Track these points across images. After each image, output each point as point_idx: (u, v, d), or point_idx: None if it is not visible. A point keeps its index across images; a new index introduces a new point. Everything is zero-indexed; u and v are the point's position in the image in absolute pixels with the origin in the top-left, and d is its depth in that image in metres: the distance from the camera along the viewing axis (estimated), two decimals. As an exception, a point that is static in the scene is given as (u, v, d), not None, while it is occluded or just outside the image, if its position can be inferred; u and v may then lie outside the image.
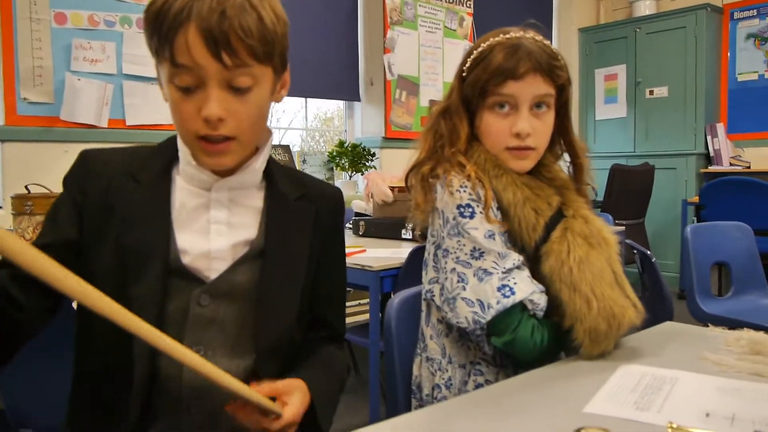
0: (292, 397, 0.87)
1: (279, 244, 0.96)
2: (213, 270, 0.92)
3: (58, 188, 2.56)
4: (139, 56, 3.23)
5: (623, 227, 3.15)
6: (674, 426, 0.70)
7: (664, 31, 5.35)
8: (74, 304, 0.97)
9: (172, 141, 0.97)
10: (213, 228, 0.93)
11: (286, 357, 0.97)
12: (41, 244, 0.88)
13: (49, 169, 2.98)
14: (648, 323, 1.25)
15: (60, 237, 0.90)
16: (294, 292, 0.97)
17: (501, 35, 1.18)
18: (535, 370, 1.02)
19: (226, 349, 0.92)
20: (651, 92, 5.42)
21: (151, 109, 3.27)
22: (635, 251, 2.07)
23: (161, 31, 0.83)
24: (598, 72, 5.79)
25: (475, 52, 1.20)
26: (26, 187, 2.43)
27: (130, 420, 0.86)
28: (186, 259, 0.91)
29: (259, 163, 0.97)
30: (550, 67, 1.16)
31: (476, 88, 1.18)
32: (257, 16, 0.85)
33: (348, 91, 4.41)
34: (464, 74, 1.22)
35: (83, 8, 3.11)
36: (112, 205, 0.91)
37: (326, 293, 1.07)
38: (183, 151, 0.94)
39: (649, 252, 1.93)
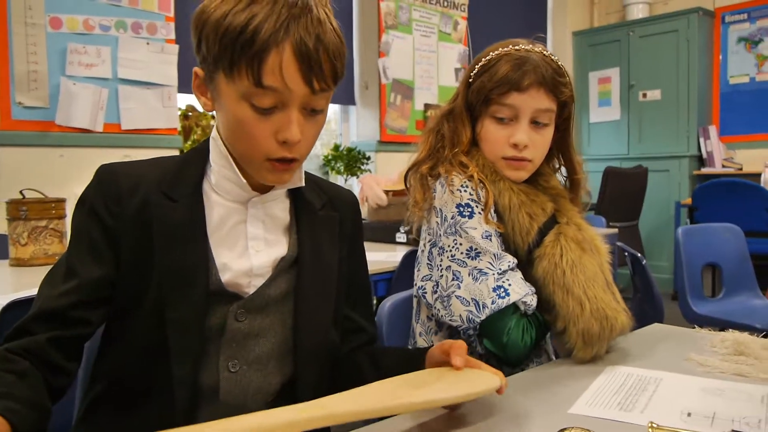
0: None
1: (311, 254, 0.96)
2: (252, 286, 0.92)
3: (53, 193, 2.59)
4: (135, 60, 3.24)
5: (617, 230, 3.17)
6: (655, 426, 0.72)
7: (656, 34, 5.39)
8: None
9: (198, 153, 0.94)
10: (251, 245, 0.92)
11: (324, 364, 0.97)
12: (77, 300, 0.84)
13: (45, 174, 2.99)
14: (638, 325, 1.27)
15: (94, 275, 0.85)
16: (329, 299, 0.97)
17: (510, 46, 1.21)
18: (522, 372, 1.04)
19: (263, 362, 0.92)
20: (644, 95, 5.46)
21: (147, 113, 3.28)
22: (626, 253, 2.09)
23: (248, 48, 0.78)
24: (592, 75, 5.83)
25: (483, 59, 1.22)
26: (21, 192, 2.44)
27: None
28: (226, 277, 0.89)
29: (295, 179, 0.95)
30: (555, 83, 1.19)
31: (480, 95, 1.21)
32: (338, 36, 0.85)
33: (343, 95, 4.42)
34: (470, 80, 1.24)
35: (78, 13, 3.12)
36: (149, 224, 0.87)
37: (355, 297, 1.08)
38: (221, 164, 0.91)
39: (639, 254, 1.95)
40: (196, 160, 0.94)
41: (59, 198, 2.50)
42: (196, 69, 0.89)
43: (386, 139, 4.42)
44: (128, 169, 0.91)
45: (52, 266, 0.90)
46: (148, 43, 3.29)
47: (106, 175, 0.90)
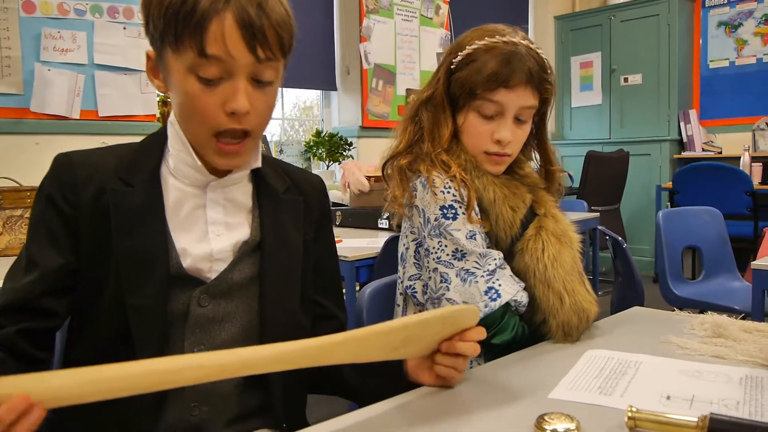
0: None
1: (274, 238, 0.95)
2: (214, 271, 0.91)
3: (28, 182, 2.55)
4: (111, 45, 3.18)
5: (598, 213, 3.18)
6: (634, 410, 0.71)
7: (637, 18, 5.40)
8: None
9: (156, 138, 0.93)
10: (211, 229, 0.91)
11: None
12: (44, 289, 0.84)
13: (19, 162, 2.94)
14: (619, 308, 1.28)
15: (55, 264, 0.85)
16: (294, 283, 0.96)
17: (497, 36, 1.17)
18: (501, 358, 1.04)
19: (229, 347, 0.88)
20: (626, 79, 5.47)
21: (125, 99, 3.23)
22: (607, 237, 2.09)
23: (189, 18, 0.78)
24: (573, 60, 5.83)
25: (467, 47, 1.19)
26: (-4, 180, 2.40)
27: (140, 426, 0.85)
28: (187, 263, 0.89)
29: (252, 161, 0.94)
30: (540, 80, 1.18)
31: (465, 88, 1.18)
32: (284, 9, 0.84)
33: (324, 81, 4.39)
34: (452, 66, 1.21)
35: (52, -3, 3.06)
36: (106, 210, 0.86)
37: (324, 283, 1.07)
38: (178, 148, 0.90)
39: (620, 238, 1.96)
40: (153, 145, 0.93)
41: (34, 186, 2.45)
42: (148, 51, 0.88)
43: (368, 125, 4.40)
44: (84, 158, 0.90)
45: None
46: (125, 28, 3.23)
47: (62, 164, 0.89)
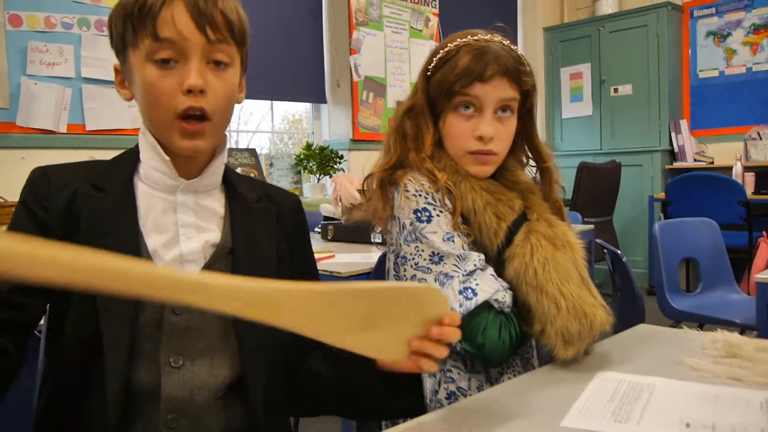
0: None
1: (246, 243, 0.95)
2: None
3: (14, 197, 2.48)
4: (99, 59, 3.14)
5: (593, 225, 3.15)
6: (656, 440, 0.68)
7: (626, 29, 5.41)
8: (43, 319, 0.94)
9: (130, 152, 0.96)
10: (182, 231, 0.92)
11: (274, 356, 0.95)
12: (15, 285, 0.82)
13: (5, 177, 2.87)
14: (620, 324, 1.23)
15: None
16: None
17: (469, 36, 1.17)
18: (510, 381, 1.00)
19: (206, 357, 0.89)
20: (615, 90, 5.48)
21: (112, 113, 3.18)
22: (606, 251, 2.06)
23: (143, 10, 0.85)
24: (563, 71, 5.83)
25: (441, 51, 1.18)
26: (-20, 196, 2.34)
27: None
28: (158, 264, 0.89)
29: (218, 165, 0.97)
30: (517, 72, 1.15)
31: (442, 88, 1.17)
32: (235, 5, 0.92)
33: (314, 93, 4.36)
34: (429, 73, 1.20)
35: (39, 10, 3.01)
36: (78, 215, 0.88)
37: None
38: (148, 155, 0.93)
39: (619, 251, 1.93)
40: (127, 158, 0.96)
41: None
42: (115, 64, 0.94)
43: (359, 138, 4.37)
44: (59, 169, 0.93)
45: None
46: (112, 41, 3.19)
47: (37, 174, 0.92)
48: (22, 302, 0.86)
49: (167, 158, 0.91)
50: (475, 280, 1.08)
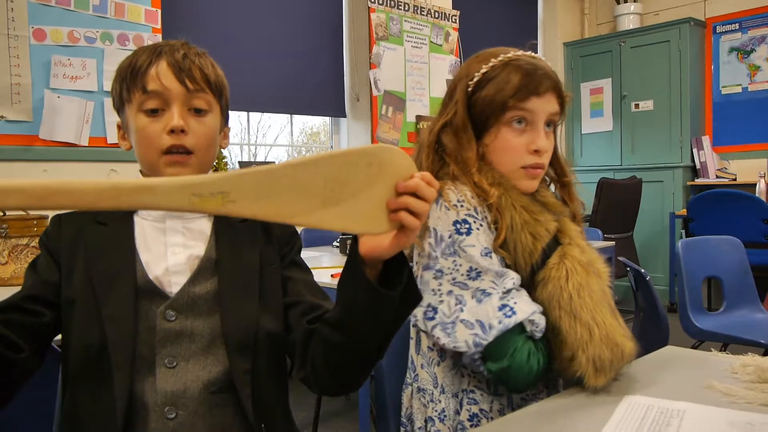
0: None
1: (229, 255, 1.04)
2: (174, 284, 1.00)
3: (34, 211, 2.50)
4: (121, 73, 3.17)
5: (614, 243, 3.11)
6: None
7: (648, 45, 5.37)
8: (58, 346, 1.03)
9: None
10: (169, 249, 1.02)
11: (260, 353, 1.00)
12: (27, 294, 0.98)
13: (28, 189, 2.90)
14: (643, 344, 1.20)
15: (41, 279, 1.01)
16: (251, 295, 1.03)
17: (512, 53, 1.18)
18: (534, 404, 0.97)
19: (199, 358, 0.97)
20: (636, 105, 5.43)
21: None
22: (629, 269, 2.03)
23: (135, 71, 1.02)
24: (583, 86, 5.80)
25: (484, 67, 1.18)
26: (2, 210, 2.36)
27: None
28: (148, 274, 1.00)
29: None
30: (560, 88, 1.18)
31: (494, 104, 1.16)
32: (211, 62, 1.08)
33: (334, 107, 4.37)
34: (470, 89, 1.19)
35: (63, 24, 3.05)
36: (82, 243, 1.02)
37: (302, 289, 1.08)
38: None
39: (643, 270, 1.89)
40: None
41: (41, 215, 2.42)
42: (117, 121, 1.10)
43: (378, 152, 4.36)
44: (71, 214, 1.08)
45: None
46: (134, 55, 3.22)
47: (54, 218, 1.08)
48: (34, 309, 0.97)
49: None
50: (513, 299, 1.06)
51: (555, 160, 1.26)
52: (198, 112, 1.04)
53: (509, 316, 1.04)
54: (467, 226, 1.09)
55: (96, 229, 1.03)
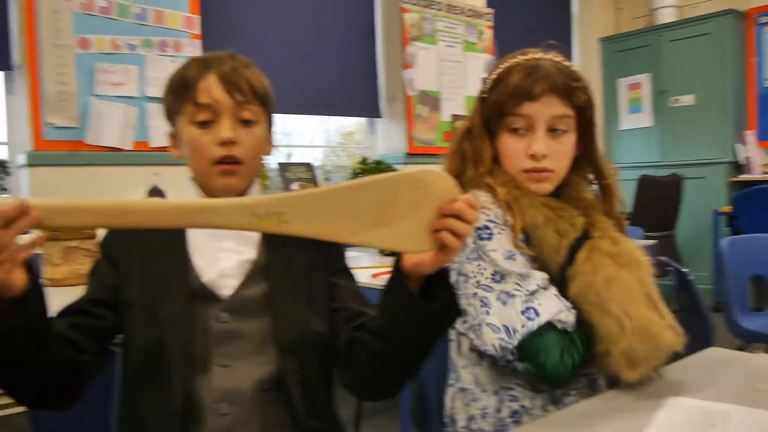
0: None
1: (278, 259, 1.07)
2: (226, 287, 1.04)
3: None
4: (162, 78, 3.21)
5: (656, 240, 3.07)
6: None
7: (687, 38, 5.27)
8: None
9: None
10: (221, 255, 1.06)
11: (310, 355, 1.04)
12: (90, 298, 1.03)
13: (75, 193, 3.00)
14: (686, 345, 1.20)
15: (102, 283, 1.05)
16: (300, 297, 1.06)
17: (519, 56, 1.18)
18: (576, 405, 0.98)
19: (251, 358, 1.01)
20: (676, 100, 5.34)
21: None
22: (671, 268, 2.00)
23: (186, 84, 1.05)
24: (620, 81, 5.72)
25: (494, 73, 1.20)
26: (52, 213, 2.44)
27: None
28: (202, 278, 1.04)
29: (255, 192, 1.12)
30: (568, 89, 1.15)
31: (495, 110, 1.18)
32: (257, 74, 1.11)
33: (369, 108, 4.39)
34: (484, 95, 1.21)
35: (106, 33, 3.14)
36: (138, 248, 1.06)
37: (347, 296, 1.11)
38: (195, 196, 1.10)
39: (686, 270, 1.87)
40: None
41: (90, 218, 2.49)
42: (168, 131, 1.13)
43: (414, 151, 4.38)
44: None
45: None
46: (174, 61, 3.29)
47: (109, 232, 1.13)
48: (97, 312, 1.01)
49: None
50: (538, 300, 1.06)
51: (592, 162, 1.24)
52: (246, 123, 1.07)
53: (532, 319, 1.05)
54: (488, 231, 1.11)
55: (151, 235, 1.06)
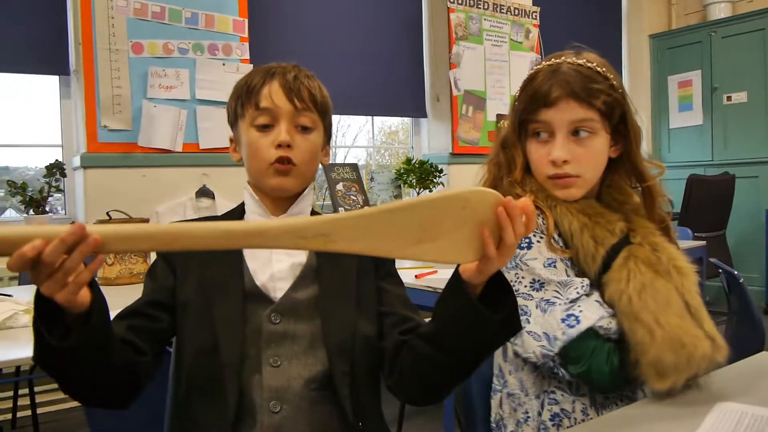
0: None
1: (329, 263, 1.10)
2: (278, 290, 1.07)
3: (137, 213, 2.68)
4: (212, 81, 3.32)
5: (704, 242, 3.01)
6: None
7: (741, 34, 5.14)
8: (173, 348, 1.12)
9: (238, 208, 1.18)
10: (274, 257, 1.10)
11: (359, 356, 1.06)
12: (147, 300, 1.06)
13: (129, 194, 3.09)
14: (736, 349, 1.18)
15: (158, 285, 1.09)
16: (350, 300, 1.09)
17: (545, 61, 1.18)
18: (620, 410, 0.98)
19: (301, 358, 1.04)
20: (729, 98, 5.20)
21: (224, 132, 3.35)
22: (721, 270, 1.97)
23: (250, 90, 1.10)
24: (671, 79, 5.60)
25: (522, 81, 1.20)
26: (107, 213, 2.53)
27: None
28: (255, 281, 1.07)
29: (304, 203, 1.15)
30: (586, 91, 1.13)
31: (521, 117, 1.18)
32: (318, 85, 1.15)
33: (414, 108, 4.41)
34: (516, 102, 1.21)
35: (158, 37, 3.23)
36: (194, 252, 1.06)
37: (395, 301, 1.13)
38: (251, 206, 1.15)
39: (736, 272, 1.84)
40: (235, 211, 1.18)
41: (143, 218, 2.57)
42: (229, 135, 1.19)
43: (458, 151, 4.38)
44: None
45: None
46: (224, 64, 3.36)
47: None
48: (154, 314, 1.05)
49: (264, 208, 1.14)
50: (579, 306, 1.06)
51: (630, 164, 1.21)
52: (304, 129, 1.11)
53: (572, 326, 1.05)
54: (527, 240, 1.11)
55: None
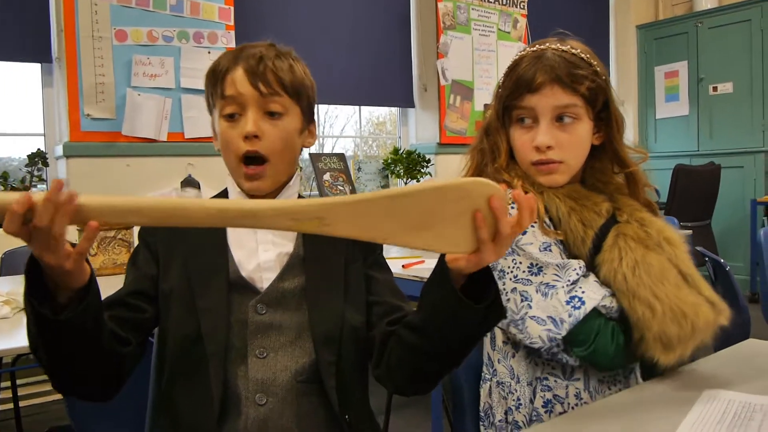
0: None
1: (316, 252, 1.08)
2: (265, 280, 1.05)
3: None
4: (197, 70, 3.28)
5: (691, 231, 3.02)
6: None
7: (727, 24, 5.16)
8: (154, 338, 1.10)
9: (220, 194, 1.16)
10: (260, 246, 1.07)
11: (345, 346, 1.04)
12: (129, 290, 1.04)
13: (112, 183, 3.05)
14: (723, 337, 1.18)
15: (141, 274, 1.06)
16: (337, 289, 1.07)
17: (527, 49, 1.18)
18: (612, 397, 0.98)
19: (287, 350, 1.02)
20: (715, 89, 5.23)
21: (209, 121, 3.31)
22: (707, 258, 1.97)
23: (216, 76, 1.07)
24: (658, 69, 5.62)
25: (506, 68, 1.19)
26: (91, 202, 2.48)
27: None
28: (241, 271, 1.05)
29: (292, 191, 1.12)
30: (571, 77, 1.12)
31: (504, 103, 1.17)
32: (288, 64, 1.09)
33: (402, 98, 4.39)
34: (499, 89, 1.20)
35: (143, 25, 3.18)
36: (179, 239, 1.07)
37: (383, 290, 1.12)
38: (232, 191, 1.12)
39: (722, 260, 1.84)
40: (221, 196, 1.15)
41: (127, 208, 2.53)
42: (211, 124, 1.14)
43: (446, 141, 4.37)
44: None
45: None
46: (209, 52, 3.33)
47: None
48: (137, 304, 1.02)
49: (245, 195, 1.10)
50: (581, 288, 1.06)
51: (612, 150, 1.20)
52: (272, 115, 1.06)
53: (578, 308, 1.04)
54: None
55: (191, 229, 1.05)
